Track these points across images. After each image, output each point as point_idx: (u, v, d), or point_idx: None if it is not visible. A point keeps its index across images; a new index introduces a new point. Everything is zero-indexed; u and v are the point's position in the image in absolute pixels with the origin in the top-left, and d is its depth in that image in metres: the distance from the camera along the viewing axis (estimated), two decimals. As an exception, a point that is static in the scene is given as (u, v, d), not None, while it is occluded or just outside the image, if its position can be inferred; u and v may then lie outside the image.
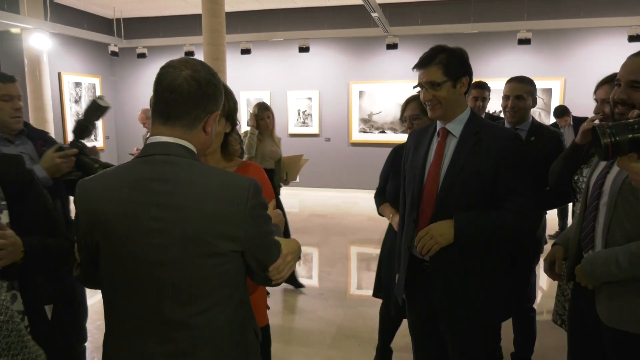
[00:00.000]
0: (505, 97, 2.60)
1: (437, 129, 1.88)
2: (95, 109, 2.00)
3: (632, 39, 6.77)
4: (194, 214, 1.10)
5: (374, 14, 6.85)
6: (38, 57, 7.56)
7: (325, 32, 8.57)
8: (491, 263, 1.82)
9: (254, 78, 9.40)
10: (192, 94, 1.14)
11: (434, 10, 8.33)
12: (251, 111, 4.19)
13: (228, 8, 6.83)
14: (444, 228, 1.73)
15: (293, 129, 9.33)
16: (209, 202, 1.11)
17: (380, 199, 2.66)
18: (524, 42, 7.27)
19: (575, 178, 2.19)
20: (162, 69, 1.17)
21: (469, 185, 1.75)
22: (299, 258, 1.47)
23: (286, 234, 2.77)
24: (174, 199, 1.11)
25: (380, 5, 7.28)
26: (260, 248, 1.20)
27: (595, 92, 2.11)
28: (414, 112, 2.37)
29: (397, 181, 2.35)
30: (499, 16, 7.96)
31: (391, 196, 2.52)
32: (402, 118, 2.46)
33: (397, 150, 2.56)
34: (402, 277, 1.95)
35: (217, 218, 1.11)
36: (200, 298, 1.14)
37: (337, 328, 3.49)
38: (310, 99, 9.22)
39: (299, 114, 9.31)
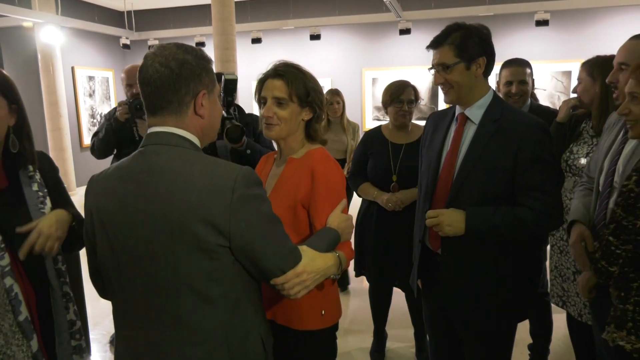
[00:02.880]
0: (508, 83, 2.57)
1: (456, 114, 1.73)
2: (226, 84, 2.18)
3: (656, 16, 6.49)
4: (177, 205, 1.04)
5: (385, -1, 6.70)
6: (51, 52, 7.59)
7: (337, 18, 8.42)
8: (509, 258, 1.67)
9: (265, 67, 9.26)
10: (165, 82, 1.08)
11: (448, -8, 8.12)
12: None
13: (237, -3, 6.76)
14: (455, 219, 1.58)
15: (306, 118, 9.26)
16: (192, 192, 1.04)
17: (357, 180, 2.72)
18: (542, 23, 7.01)
19: (565, 156, 2.22)
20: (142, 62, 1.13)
21: (485, 178, 1.60)
22: (334, 277, 1.36)
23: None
24: (158, 189, 1.06)
25: (392, -11, 7.10)
26: (251, 248, 1.08)
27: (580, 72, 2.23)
28: (410, 97, 2.57)
29: (377, 160, 2.61)
30: (515, -3, 7.72)
31: (372, 175, 2.66)
32: (399, 101, 2.57)
33: (370, 135, 2.72)
34: (415, 269, 1.88)
35: (200, 209, 1.03)
36: (188, 295, 1.07)
37: (341, 319, 3.45)
38: (322, 87, 9.09)
39: (311, 103, 9.23)
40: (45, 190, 1.47)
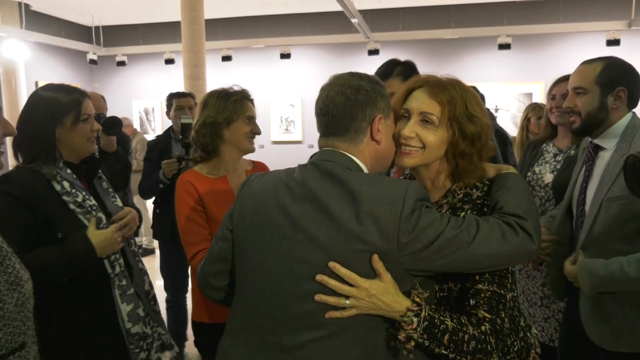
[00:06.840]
0: None
1: None
2: (184, 128, 2.48)
3: (609, 43, 6.87)
4: (316, 227, 1.01)
5: (354, 20, 6.84)
6: (14, 66, 7.40)
7: (307, 38, 8.53)
8: None
9: (234, 84, 9.30)
10: (341, 109, 1.08)
11: (415, 16, 8.36)
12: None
13: (208, 15, 6.75)
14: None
15: (276, 136, 9.26)
16: (332, 216, 1.00)
17: None
18: (505, 47, 7.33)
19: (529, 177, 2.31)
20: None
21: None
22: None
23: None
24: (306, 207, 1.04)
25: (361, 11, 7.27)
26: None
27: (551, 90, 2.24)
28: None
29: None
30: (479, 21, 8.02)
31: None
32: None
33: None
34: None
35: (339, 233, 0.99)
36: (312, 324, 1.01)
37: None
38: (292, 105, 9.17)
39: (281, 121, 9.24)
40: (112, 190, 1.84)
